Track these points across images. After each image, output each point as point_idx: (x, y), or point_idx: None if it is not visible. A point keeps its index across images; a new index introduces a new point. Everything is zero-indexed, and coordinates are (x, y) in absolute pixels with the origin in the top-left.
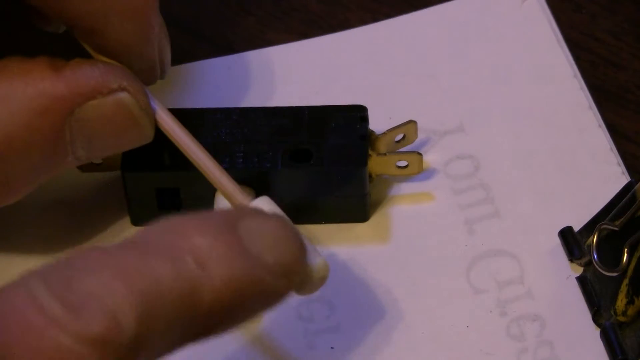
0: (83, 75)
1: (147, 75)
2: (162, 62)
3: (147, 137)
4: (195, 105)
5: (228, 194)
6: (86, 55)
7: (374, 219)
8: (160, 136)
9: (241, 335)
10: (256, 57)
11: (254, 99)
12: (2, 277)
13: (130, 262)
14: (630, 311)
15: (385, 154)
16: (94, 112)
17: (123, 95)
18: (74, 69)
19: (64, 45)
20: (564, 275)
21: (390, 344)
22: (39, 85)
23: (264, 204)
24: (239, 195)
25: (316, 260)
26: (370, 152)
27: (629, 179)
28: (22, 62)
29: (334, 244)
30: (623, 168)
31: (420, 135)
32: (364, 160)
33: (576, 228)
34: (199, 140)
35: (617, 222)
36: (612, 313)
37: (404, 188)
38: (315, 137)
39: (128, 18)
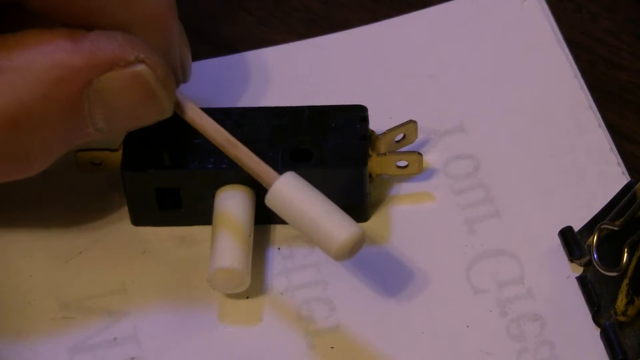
0: (100, 47)
1: None
2: (183, 66)
3: (166, 111)
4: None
5: (256, 171)
6: None
7: (374, 219)
8: (160, 136)
9: (241, 335)
10: (256, 57)
11: (254, 99)
12: (2, 277)
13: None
14: (630, 311)
15: (385, 154)
16: (111, 83)
17: (141, 68)
18: (92, 40)
19: None
20: (564, 275)
21: (390, 344)
22: (56, 55)
23: (291, 177)
24: (267, 173)
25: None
26: (370, 152)
27: (629, 179)
28: (40, 33)
29: None
30: (623, 168)
31: (420, 135)
32: (364, 160)
33: (576, 228)
34: (199, 140)
35: (617, 222)
36: (612, 313)
37: (404, 188)
38: (315, 137)
39: (149, 27)
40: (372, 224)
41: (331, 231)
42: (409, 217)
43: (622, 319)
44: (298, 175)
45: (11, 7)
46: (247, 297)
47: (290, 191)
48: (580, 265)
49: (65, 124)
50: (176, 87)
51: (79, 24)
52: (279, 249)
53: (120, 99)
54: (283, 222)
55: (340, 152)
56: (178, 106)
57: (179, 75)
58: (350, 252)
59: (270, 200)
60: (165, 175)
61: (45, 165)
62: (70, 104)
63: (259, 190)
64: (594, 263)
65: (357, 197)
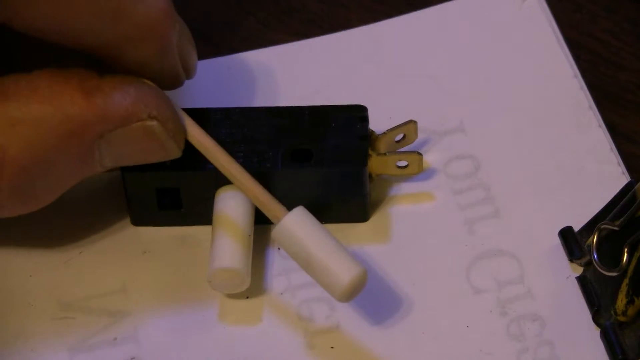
0: (114, 103)
1: (170, 81)
2: (186, 66)
3: (174, 156)
4: (195, 105)
5: (264, 206)
6: None
7: (374, 219)
8: None
9: (241, 335)
10: (256, 57)
11: (254, 99)
12: (2, 277)
13: None
14: (630, 311)
15: (385, 154)
16: (122, 137)
17: (152, 124)
18: (106, 94)
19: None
20: (564, 275)
21: (390, 344)
22: (69, 110)
23: (300, 214)
24: (275, 206)
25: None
26: (370, 152)
27: (629, 179)
28: (53, 83)
29: None
30: (623, 168)
31: (420, 135)
32: (364, 160)
33: (576, 228)
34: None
35: (617, 222)
36: (612, 313)
37: (404, 188)
38: (315, 137)
39: (143, 41)
40: (372, 224)
41: (334, 276)
42: (409, 217)
43: (622, 319)
44: (306, 211)
45: None
46: (247, 297)
47: (297, 229)
48: (580, 265)
49: (74, 168)
50: (180, 85)
51: (67, 46)
52: (279, 249)
53: (130, 149)
54: None
55: (340, 152)
56: (189, 135)
57: (182, 75)
58: (352, 294)
59: (277, 235)
60: (165, 175)
61: (51, 200)
62: (82, 154)
63: None
64: (594, 263)
65: (357, 197)
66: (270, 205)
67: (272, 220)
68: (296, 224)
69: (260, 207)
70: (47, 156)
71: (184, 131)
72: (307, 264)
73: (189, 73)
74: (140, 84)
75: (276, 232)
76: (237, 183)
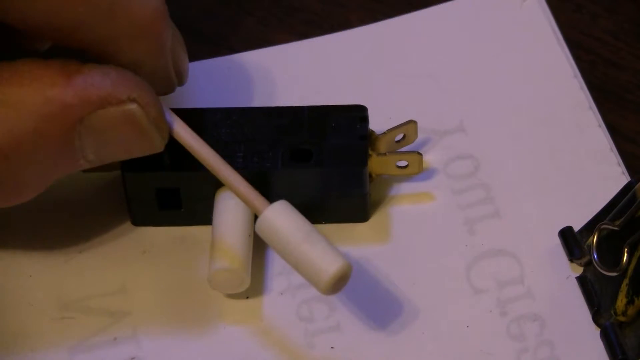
0: (93, 84)
1: (162, 86)
2: (178, 71)
3: (157, 148)
4: (195, 105)
5: (247, 200)
6: None
7: (374, 219)
8: None
9: (241, 335)
10: (256, 57)
11: (254, 99)
12: (2, 277)
13: None
14: (630, 311)
15: (385, 154)
16: (102, 120)
17: (132, 107)
18: (86, 76)
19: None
20: (564, 275)
21: (390, 344)
22: (48, 92)
23: (281, 207)
24: (258, 200)
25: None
26: (370, 152)
27: (629, 179)
28: (34, 67)
29: (334, 244)
30: (623, 168)
31: (420, 135)
32: (364, 160)
33: (576, 228)
34: None
35: (617, 222)
36: (612, 313)
37: (404, 188)
38: (315, 137)
39: (137, 39)
40: (372, 224)
41: (318, 268)
42: (409, 217)
43: (622, 319)
44: (288, 204)
45: None
46: (247, 297)
47: (277, 221)
48: (580, 265)
49: (56, 156)
50: (172, 91)
51: (62, 41)
52: None
53: (111, 135)
54: None
55: (340, 152)
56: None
57: (173, 82)
58: (335, 287)
59: (259, 228)
60: (165, 175)
61: (36, 193)
62: (61, 138)
63: (258, 191)
64: (594, 263)
65: (357, 197)
66: (252, 199)
67: (256, 214)
68: (277, 217)
69: (243, 201)
70: (26, 141)
71: (167, 124)
72: (289, 256)
73: (181, 78)
74: (122, 70)
75: (258, 225)
76: (220, 176)
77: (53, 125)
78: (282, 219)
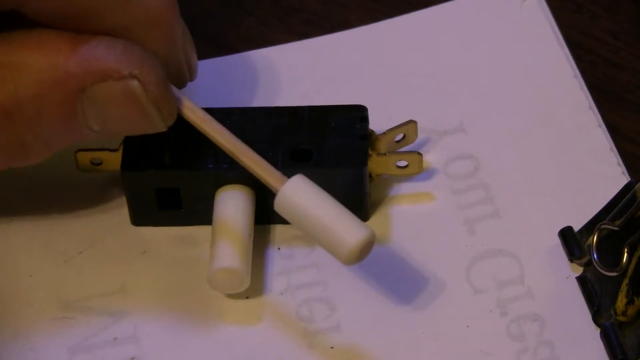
0: (97, 56)
1: (175, 79)
2: (189, 65)
3: (158, 128)
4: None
5: (263, 176)
6: None
7: (374, 219)
8: (160, 136)
9: (241, 335)
10: (256, 57)
11: (254, 99)
12: (2, 277)
13: None
14: (630, 311)
15: (385, 154)
16: (103, 93)
17: (132, 83)
18: (91, 47)
19: None
20: (564, 275)
21: (390, 344)
22: (53, 58)
23: (299, 181)
24: (275, 176)
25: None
26: (370, 152)
27: (629, 179)
28: (45, 35)
29: None
30: (623, 168)
31: (420, 135)
32: (364, 160)
33: (576, 228)
34: (199, 140)
35: (617, 222)
36: (612, 313)
37: (404, 188)
38: (315, 137)
39: (151, 27)
40: (372, 224)
41: (340, 238)
42: (409, 217)
43: (622, 319)
44: (306, 178)
45: (7, 13)
46: (247, 297)
47: (297, 195)
48: (580, 265)
49: (59, 123)
50: (184, 85)
51: (77, 29)
52: (279, 249)
53: (112, 110)
54: (283, 222)
55: (340, 152)
56: (184, 109)
57: (186, 75)
58: (359, 257)
59: (278, 205)
60: (165, 175)
61: (43, 157)
62: (64, 106)
63: (259, 190)
64: (594, 263)
65: (357, 197)
66: (269, 175)
67: (273, 192)
68: (296, 191)
69: (260, 179)
70: (29, 104)
71: (173, 105)
72: (310, 230)
73: (191, 73)
74: (131, 45)
75: (277, 202)
76: (235, 156)
77: (55, 91)
78: (301, 193)
